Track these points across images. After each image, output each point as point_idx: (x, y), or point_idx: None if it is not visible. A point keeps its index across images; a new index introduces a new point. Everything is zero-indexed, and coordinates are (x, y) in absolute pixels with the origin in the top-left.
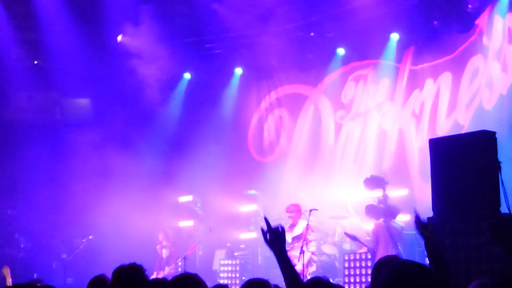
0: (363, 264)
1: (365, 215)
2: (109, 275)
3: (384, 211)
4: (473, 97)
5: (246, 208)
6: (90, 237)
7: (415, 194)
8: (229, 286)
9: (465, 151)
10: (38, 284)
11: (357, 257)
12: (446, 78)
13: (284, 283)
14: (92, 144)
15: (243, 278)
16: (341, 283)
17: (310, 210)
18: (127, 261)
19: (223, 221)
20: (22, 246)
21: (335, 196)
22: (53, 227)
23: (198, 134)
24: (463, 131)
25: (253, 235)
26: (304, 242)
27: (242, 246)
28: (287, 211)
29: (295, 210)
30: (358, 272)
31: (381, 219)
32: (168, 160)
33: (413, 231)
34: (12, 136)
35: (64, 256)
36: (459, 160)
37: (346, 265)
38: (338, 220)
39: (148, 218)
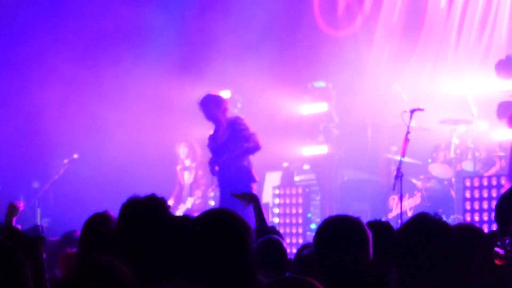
0: (494, 194)
1: (497, 118)
2: (109, 211)
3: None
4: None
5: (312, 108)
6: (74, 155)
7: None
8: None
9: None
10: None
11: (485, 182)
12: None
13: None
14: (77, 16)
15: (309, 215)
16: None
17: (412, 111)
18: (132, 190)
19: (276, 129)
20: None
21: (450, 89)
22: (20, 145)
23: None
24: None
25: (323, 149)
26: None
27: (306, 167)
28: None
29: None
30: (486, 207)
31: None
32: (192, 39)
33: None
34: None
35: (36, 185)
36: None
37: (468, 195)
38: (454, 125)
39: (164, 126)
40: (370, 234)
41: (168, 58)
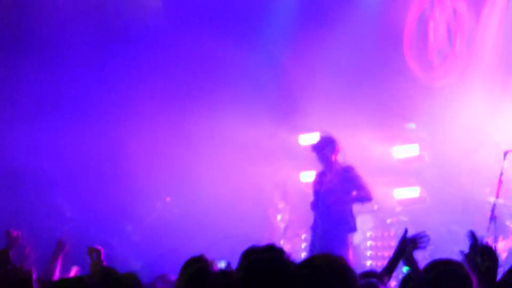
0: None
1: None
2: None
3: None
4: None
5: (403, 151)
6: (167, 199)
7: None
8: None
9: None
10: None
11: None
12: None
13: None
14: (164, 58)
15: None
16: None
17: (505, 153)
18: (222, 234)
19: (367, 171)
20: (67, 215)
21: None
22: (110, 186)
23: (325, 40)
24: None
25: (414, 192)
26: None
27: (397, 209)
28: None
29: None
30: None
31: None
32: (282, 83)
33: None
34: (53, 54)
35: (129, 228)
36: None
37: None
38: None
39: (254, 169)
40: (474, 279)
41: (258, 100)
